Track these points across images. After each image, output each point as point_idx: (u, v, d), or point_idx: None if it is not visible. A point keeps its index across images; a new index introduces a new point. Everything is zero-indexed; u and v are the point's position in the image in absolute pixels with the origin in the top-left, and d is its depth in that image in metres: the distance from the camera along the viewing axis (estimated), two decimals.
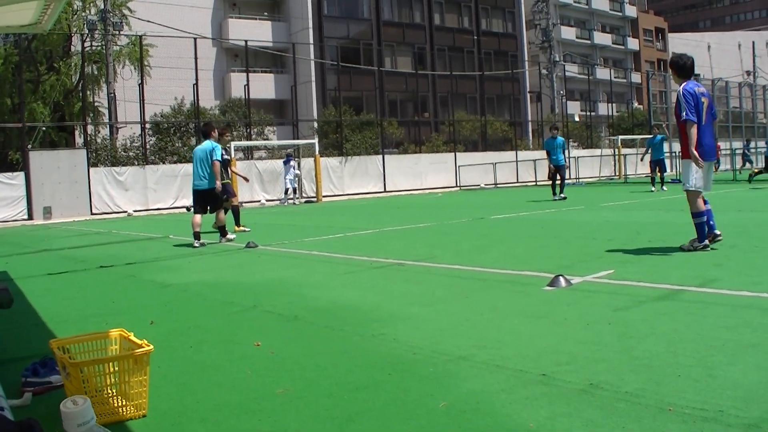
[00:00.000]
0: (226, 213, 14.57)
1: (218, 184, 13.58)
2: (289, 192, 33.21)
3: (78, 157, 30.79)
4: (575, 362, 4.10)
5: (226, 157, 15.37)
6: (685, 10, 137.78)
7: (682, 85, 8.82)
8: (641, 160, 26.40)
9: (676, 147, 40.54)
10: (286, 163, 33.05)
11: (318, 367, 4.36)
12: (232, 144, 32.97)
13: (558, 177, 23.29)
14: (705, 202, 8.84)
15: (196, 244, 13.24)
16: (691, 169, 8.76)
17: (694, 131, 8.61)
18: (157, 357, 3.78)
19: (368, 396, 3.72)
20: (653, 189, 24.70)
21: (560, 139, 23.77)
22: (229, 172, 16.56)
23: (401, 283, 7.59)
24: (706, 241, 8.64)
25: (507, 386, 3.73)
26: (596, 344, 4.49)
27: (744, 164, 41.91)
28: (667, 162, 32.35)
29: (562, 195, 23.20)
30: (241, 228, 16.01)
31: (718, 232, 8.84)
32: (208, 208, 13.82)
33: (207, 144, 13.67)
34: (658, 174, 24.96)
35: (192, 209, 14.17)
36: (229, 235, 14.16)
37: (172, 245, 13.38)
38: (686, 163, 8.81)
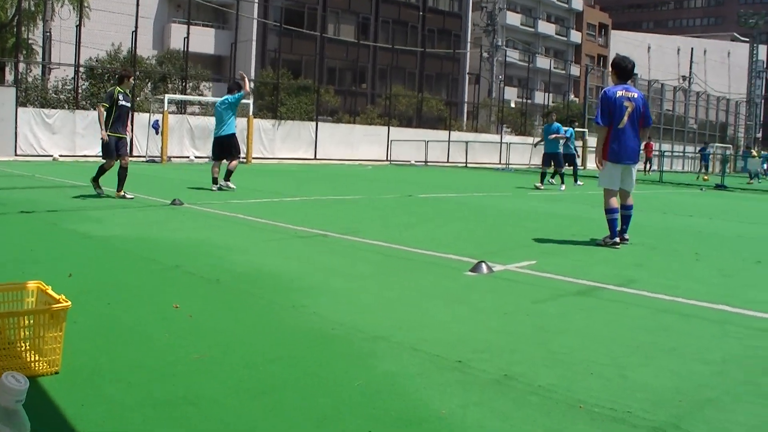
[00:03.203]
0: (101, 173, 13.27)
1: (103, 134, 12.98)
2: None
3: (6, 95, 30.05)
4: (491, 351, 4.14)
5: (123, 103, 13.24)
6: (630, 9, 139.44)
7: (606, 87, 9.13)
8: (534, 146, 25.12)
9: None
10: None
11: (236, 334, 4.34)
12: (166, 96, 32.54)
13: (558, 165, 22.16)
14: (629, 207, 9.14)
15: (213, 188, 15.44)
16: (604, 169, 9.18)
17: (602, 134, 9.09)
18: (73, 312, 3.71)
19: (284, 368, 3.71)
20: (539, 185, 21.73)
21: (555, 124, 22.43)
22: (128, 124, 13.72)
23: (325, 254, 7.59)
24: (616, 239, 8.93)
25: (422, 370, 3.75)
26: (513, 335, 4.54)
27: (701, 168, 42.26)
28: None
29: (579, 183, 23.66)
30: (95, 185, 13.17)
31: (626, 236, 9.19)
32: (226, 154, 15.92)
33: (226, 96, 15.99)
34: (554, 169, 22.45)
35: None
36: (229, 183, 15.55)
37: (97, 195, 13.15)
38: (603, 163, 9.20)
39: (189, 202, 12.24)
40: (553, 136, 21.50)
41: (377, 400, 3.33)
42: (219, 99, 16.07)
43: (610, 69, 9.57)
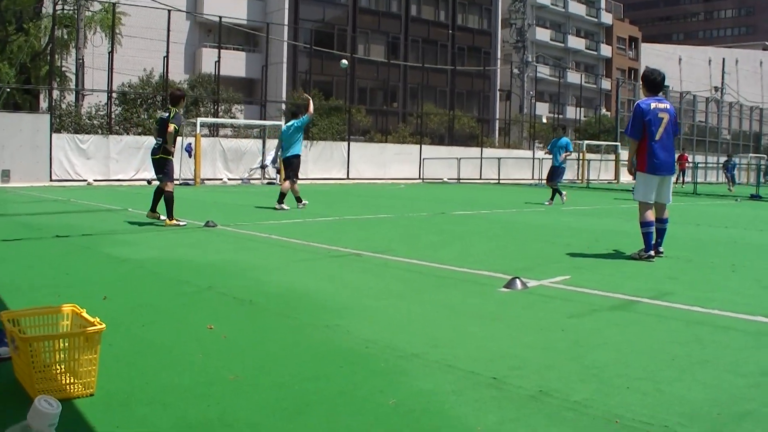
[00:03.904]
0: (159, 198, 12.57)
1: (172, 149, 12.33)
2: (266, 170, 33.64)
3: (41, 122, 30.39)
4: (526, 367, 4.12)
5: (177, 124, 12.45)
6: (659, 22, 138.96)
7: (639, 100, 9.14)
8: (545, 152, 24.02)
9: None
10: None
11: (270, 354, 4.35)
12: (198, 120, 32.75)
13: (552, 179, 21.01)
14: (664, 220, 9.10)
15: (299, 206, 16.57)
16: (638, 181, 9.20)
17: (632, 146, 9.24)
18: (108, 334, 3.74)
19: (319, 387, 3.71)
20: (563, 199, 20.97)
21: (564, 139, 21.16)
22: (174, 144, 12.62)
23: (358, 274, 7.59)
24: (651, 252, 8.86)
25: (457, 387, 3.74)
26: (548, 350, 4.51)
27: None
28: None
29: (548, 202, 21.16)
30: (175, 221, 12.27)
31: (661, 249, 9.12)
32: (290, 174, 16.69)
33: (292, 121, 16.71)
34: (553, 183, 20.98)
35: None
36: (283, 206, 16.17)
37: (131, 219, 13.26)
38: (637, 176, 9.20)
39: (222, 224, 12.28)
40: (564, 156, 20.86)
41: (412, 418, 3.32)
42: (285, 124, 17.08)
43: (641, 82, 9.55)
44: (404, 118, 54.81)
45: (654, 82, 9.20)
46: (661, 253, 9.04)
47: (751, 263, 8.85)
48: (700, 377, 3.99)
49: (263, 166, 34.00)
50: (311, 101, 17.08)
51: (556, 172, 21.04)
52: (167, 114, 12.40)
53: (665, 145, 9.01)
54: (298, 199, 16.77)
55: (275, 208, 16.07)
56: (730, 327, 5.28)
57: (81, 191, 24.05)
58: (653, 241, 8.94)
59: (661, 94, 9.27)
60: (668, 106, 9.08)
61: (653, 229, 8.98)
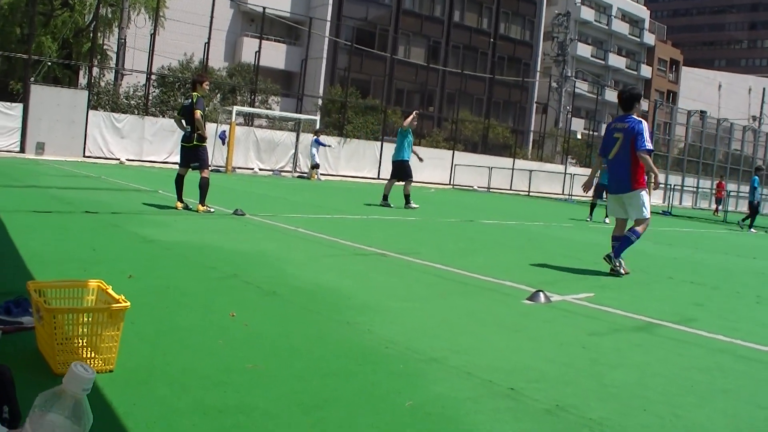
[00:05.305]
0: (182, 187, 12.58)
1: (205, 134, 12.33)
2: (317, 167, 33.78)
3: (79, 98, 30.68)
4: (544, 381, 4.10)
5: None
6: (702, 46, 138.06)
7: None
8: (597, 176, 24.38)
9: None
10: (317, 141, 33.36)
11: (290, 347, 4.35)
12: (234, 108, 32.88)
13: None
14: (632, 231, 9.08)
15: (382, 203, 18.34)
16: None
17: (596, 162, 10.01)
18: (131, 313, 3.74)
19: (337, 384, 3.71)
20: (590, 219, 21.42)
21: None
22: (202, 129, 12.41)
23: (382, 274, 7.58)
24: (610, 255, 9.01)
25: (474, 395, 3.73)
26: (567, 366, 4.49)
27: None
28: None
29: (753, 230, 23.04)
30: (206, 207, 12.30)
31: (617, 263, 8.99)
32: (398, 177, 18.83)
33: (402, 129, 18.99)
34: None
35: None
36: (411, 204, 18.24)
37: (160, 201, 13.33)
38: None
39: (251, 213, 12.31)
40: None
41: (427, 421, 3.31)
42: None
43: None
44: (439, 122, 54.90)
45: (620, 99, 9.19)
46: (610, 260, 8.97)
47: None
48: (719, 406, 3.95)
49: (315, 166, 33.95)
50: (412, 115, 18.99)
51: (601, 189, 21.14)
52: (189, 101, 12.42)
53: (616, 164, 9.05)
54: (387, 197, 18.50)
55: (405, 208, 18.05)
56: (753, 358, 5.23)
57: (113, 169, 24.23)
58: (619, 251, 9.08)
59: (634, 112, 9.10)
60: (627, 126, 8.92)
61: (616, 242, 9.12)
